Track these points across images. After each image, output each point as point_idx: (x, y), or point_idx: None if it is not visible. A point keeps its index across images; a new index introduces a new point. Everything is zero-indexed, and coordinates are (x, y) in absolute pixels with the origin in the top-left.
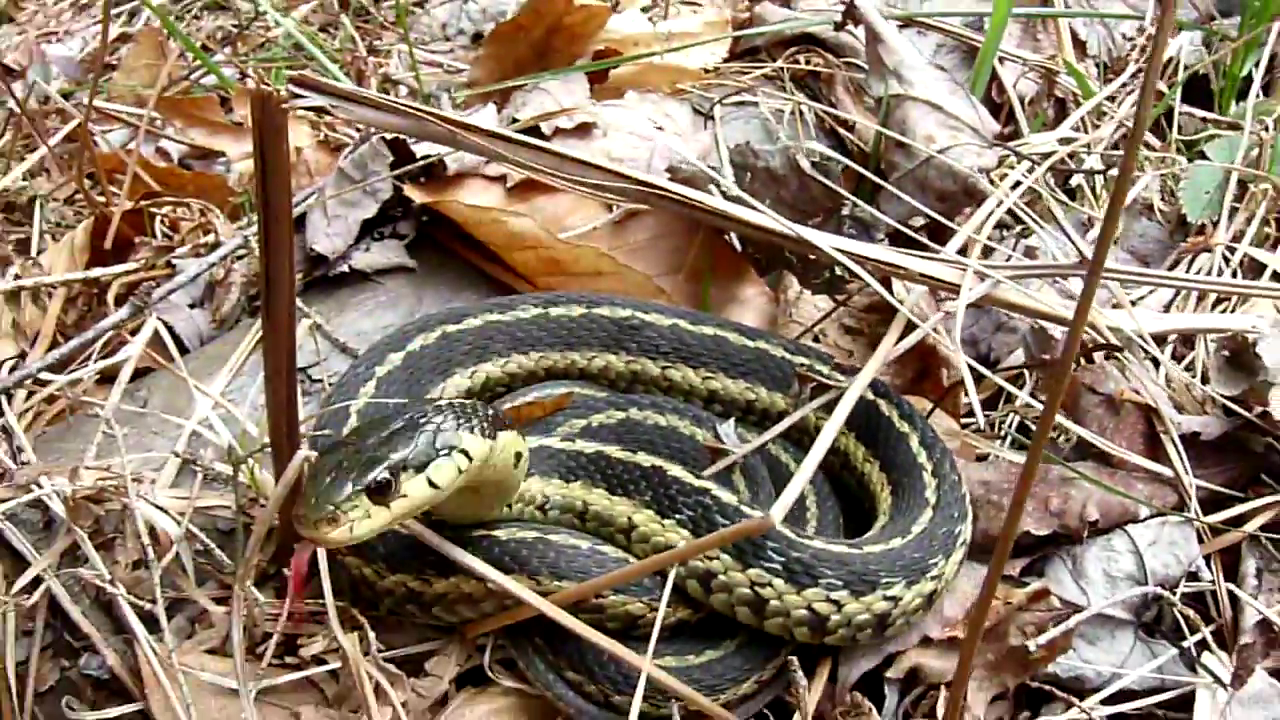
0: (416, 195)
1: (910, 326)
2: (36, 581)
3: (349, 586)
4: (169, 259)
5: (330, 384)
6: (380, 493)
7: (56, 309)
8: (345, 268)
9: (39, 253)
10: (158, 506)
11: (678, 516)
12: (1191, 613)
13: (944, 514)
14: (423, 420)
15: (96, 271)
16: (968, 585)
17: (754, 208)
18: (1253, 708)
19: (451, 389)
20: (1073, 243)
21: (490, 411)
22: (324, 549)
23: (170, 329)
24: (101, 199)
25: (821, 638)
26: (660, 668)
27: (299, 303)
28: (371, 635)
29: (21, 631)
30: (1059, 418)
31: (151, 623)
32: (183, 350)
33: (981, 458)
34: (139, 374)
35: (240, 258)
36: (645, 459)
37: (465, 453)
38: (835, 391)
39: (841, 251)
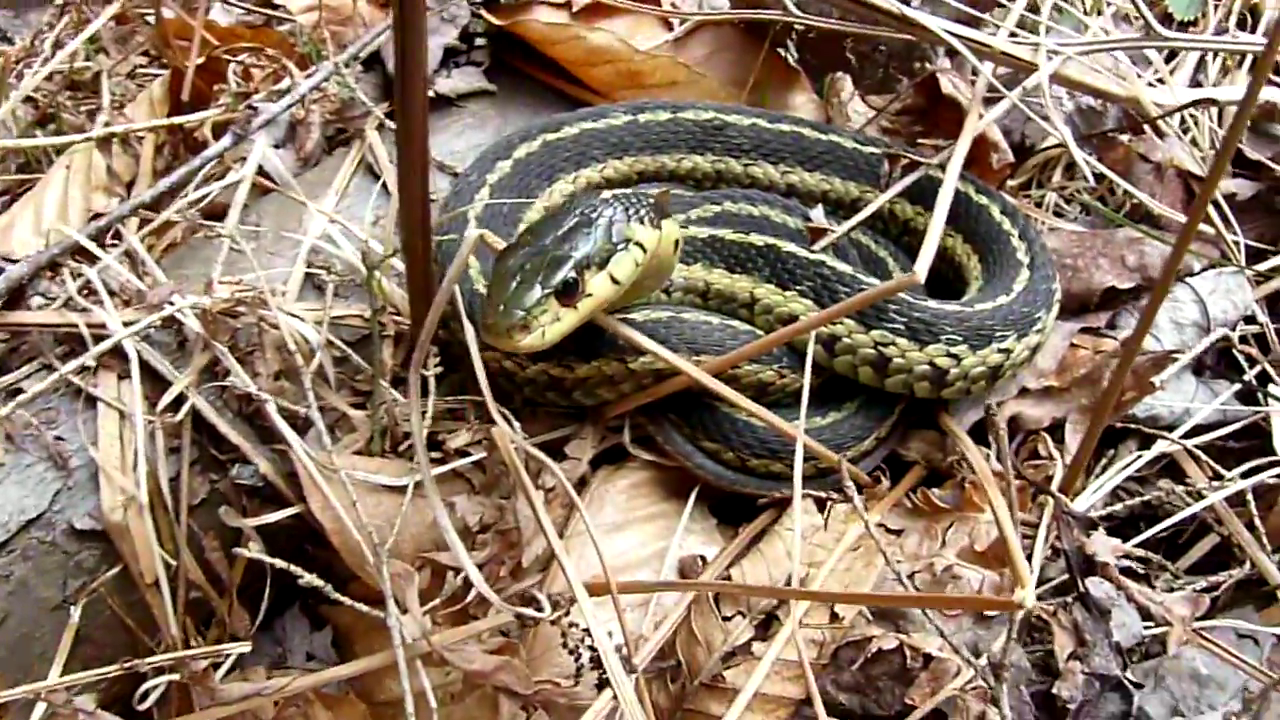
0: (494, 19)
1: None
2: (178, 400)
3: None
4: (248, 104)
5: (438, 197)
6: (568, 293)
7: (149, 152)
8: (431, 93)
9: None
10: (295, 316)
11: (798, 288)
12: (1253, 349)
13: (1040, 273)
14: (595, 215)
15: (186, 117)
16: (1056, 339)
17: None
18: None
19: (557, 194)
20: (1141, 14)
21: (651, 200)
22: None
23: (261, 168)
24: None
25: (939, 391)
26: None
27: (392, 124)
28: (516, 423)
29: (169, 450)
30: (1119, 181)
31: (301, 430)
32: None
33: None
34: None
35: (316, 101)
36: (758, 239)
37: (640, 244)
38: (924, 169)
39: (949, 33)
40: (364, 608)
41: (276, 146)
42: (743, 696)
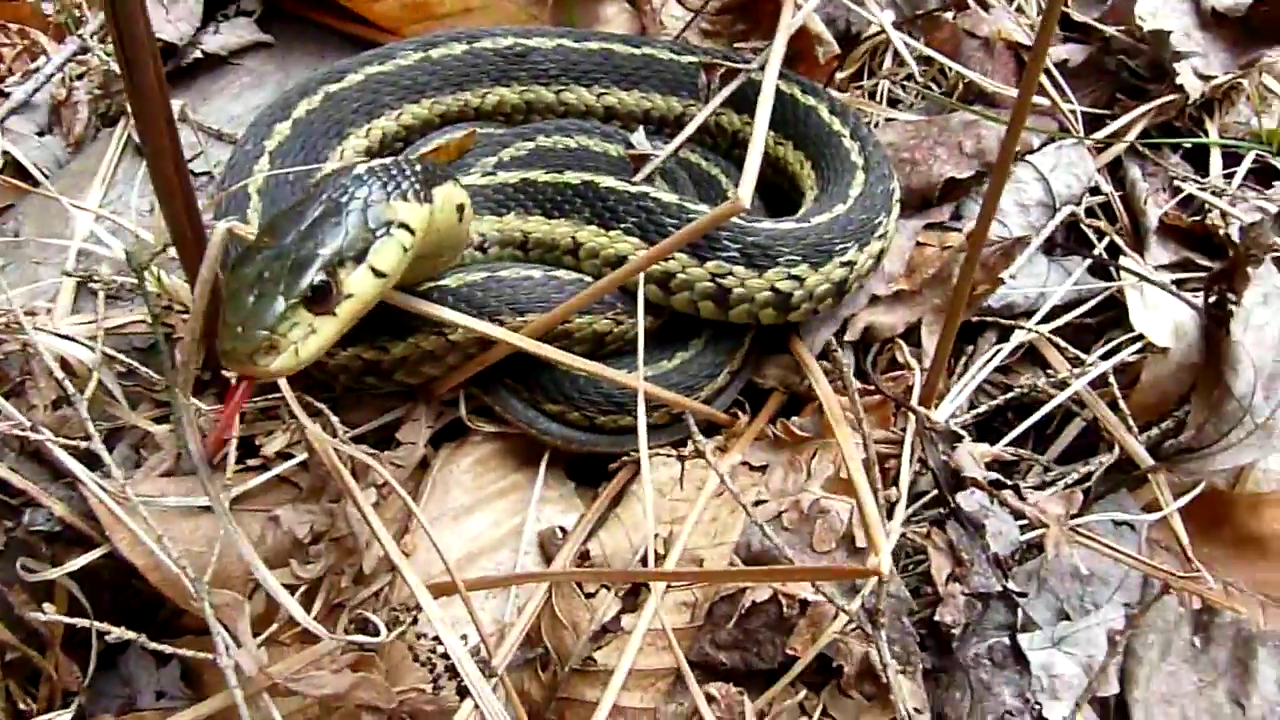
0: None
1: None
2: None
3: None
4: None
5: (218, 172)
6: (320, 299)
7: None
8: (198, 54)
9: None
10: (64, 336)
11: (623, 226)
12: (1100, 222)
13: (875, 174)
14: (344, 199)
15: None
16: (901, 240)
17: None
18: None
19: (349, 151)
20: None
21: (418, 167)
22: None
23: (19, 162)
24: None
25: (785, 316)
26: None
27: None
28: (334, 419)
29: None
30: (948, 63)
31: (91, 461)
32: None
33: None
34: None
35: (79, 76)
36: (573, 176)
37: (405, 226)
38: (745, 75)
39: None
40: (190, 653)
41: (41, 134)
42: (616, 677)
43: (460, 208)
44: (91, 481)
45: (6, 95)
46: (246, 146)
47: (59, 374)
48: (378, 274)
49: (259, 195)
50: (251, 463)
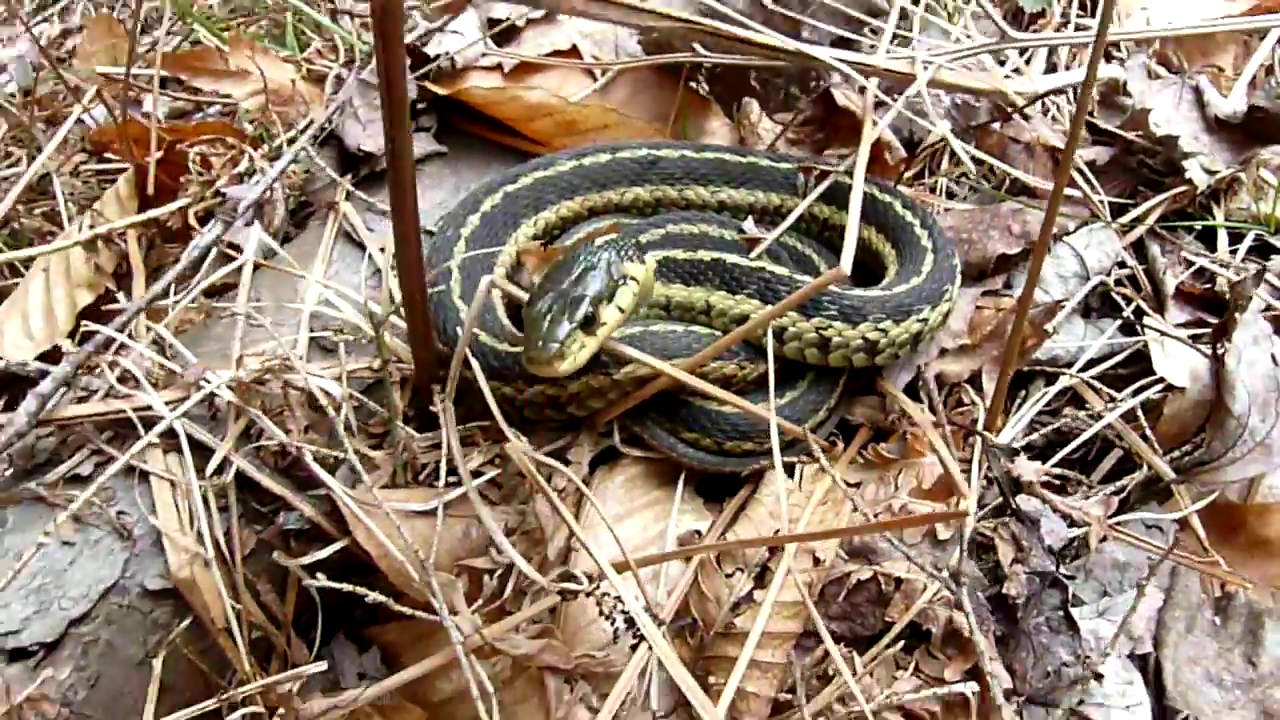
0: (439, 89)
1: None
2: (222, 465)
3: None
4: (216, 189)
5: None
6: (588, 325)
7: (135, 247)
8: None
9: (78, 214)
10: (317, 375)
11: (745, 292)
12: (1127, 290)
13: (942, 253)
14: (597, 260)
15: (162, 209)
16: (963, 304)
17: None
18: None
19: (522, 236)
20: (995, 22)
21: (632, 240)
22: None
23: (236, 247)
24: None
25: (873, 359)
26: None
27: (362, 194)
28: (524, 440)
29: (219, 509)
30: (996, 163)
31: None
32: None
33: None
34: (229, 286)
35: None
36: (706, 254)
37: (634, 278)
38: (834, 176)
39: (837, 59)
40: (423, 615)
41: (246, 224)
42: (753, 635)
43: (654, 271)
44: (340, 488)
45: (224, 195)
46: (447, 233)
47: (323, 401)
48: (620, 309)
49: (459, 270)
50: (452, 479)
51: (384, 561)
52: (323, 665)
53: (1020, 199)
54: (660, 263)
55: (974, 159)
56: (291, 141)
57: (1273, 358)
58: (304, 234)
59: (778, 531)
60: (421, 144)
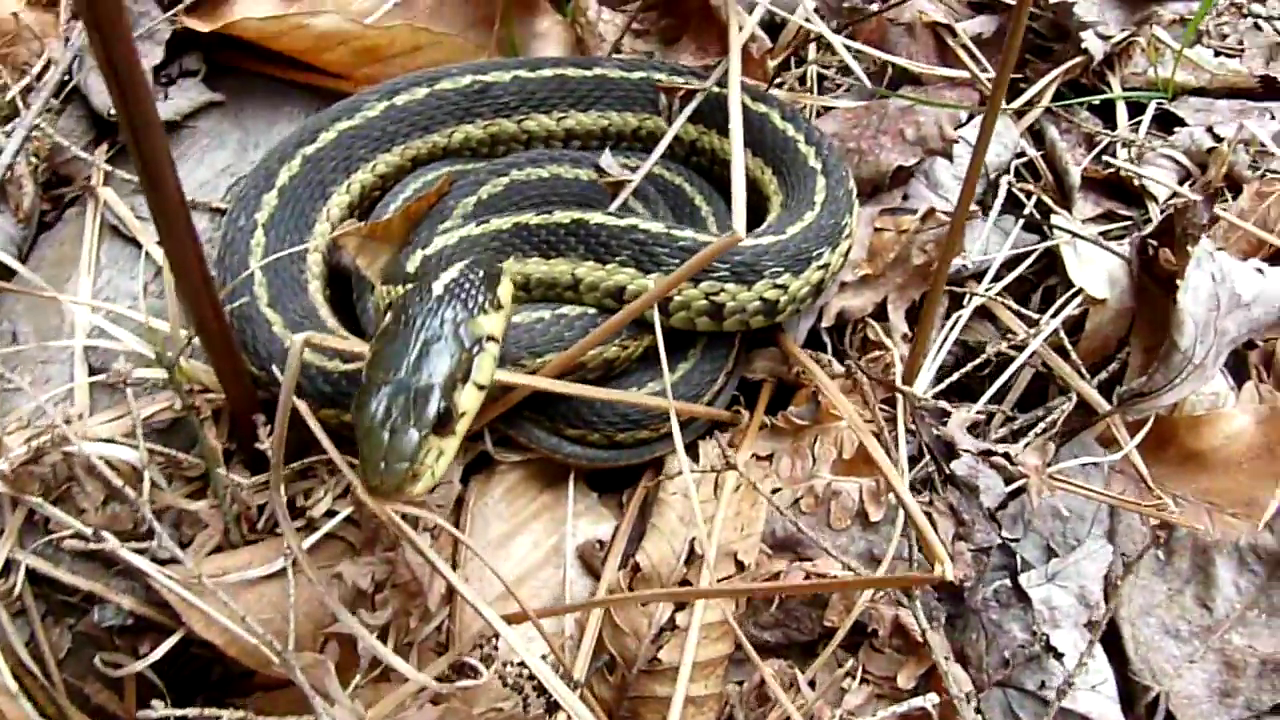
0: (201, 25)
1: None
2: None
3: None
4: None
5: (212, 246)
6: (443, 423)
7: None
8: None
9: None
10: (103, 439)
11: (618, 259)
12: (1028, 183)
13: (834, 176)
14: (439, 325)
15: None
16: (860, 229)
17: None
18: None
19: (335, 209)
20: None
21: (480, 273)
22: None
23: None
24: None
25: (773, 319)
26: (648, 394)
27: (125, 173)
28: None
29: (13, 615)
30: (876, 52)
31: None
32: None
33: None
34: None
35: (17, 152)
36: (563, 216)
37: (492, 337)
38: (701, 93)
39: None
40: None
41: None
42: (683, 670)
43: (511, 294)
44: (161, 576)
45: None
46: (239, 221)
47: (113, 479)
48: (480, 387)
49: (263, 273)
50: (298, 524)
51: (233, 649)
52: None
53: (906, 91)
54: (511, 233)
55: (852, 51)
56: (27, 95)
57: (1212, 276)
58: (62, 227)
59: (693, 540)
60: (189, 95)
